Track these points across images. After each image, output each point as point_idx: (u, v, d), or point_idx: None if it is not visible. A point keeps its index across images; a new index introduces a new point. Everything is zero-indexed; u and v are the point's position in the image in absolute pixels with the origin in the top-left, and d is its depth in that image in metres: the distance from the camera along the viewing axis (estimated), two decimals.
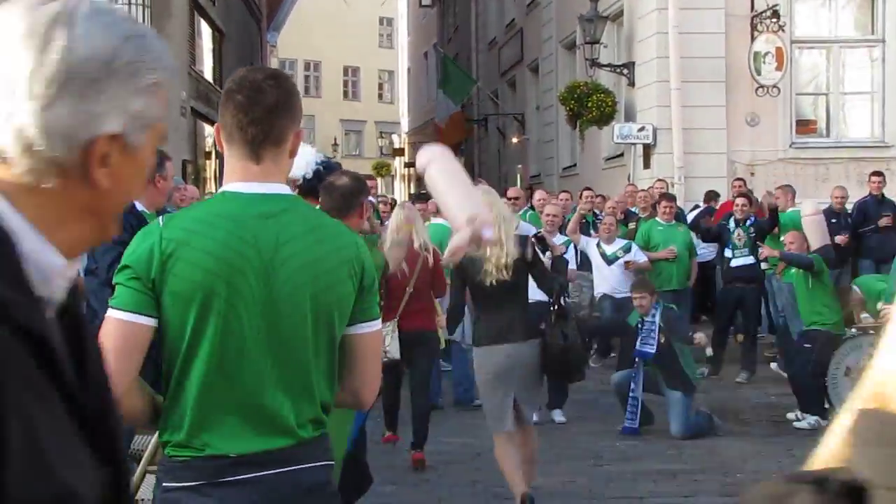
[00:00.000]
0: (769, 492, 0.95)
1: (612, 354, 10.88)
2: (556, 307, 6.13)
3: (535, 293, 6.21)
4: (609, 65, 16.40)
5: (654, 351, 8.14)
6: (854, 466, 0.92)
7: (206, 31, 21.58)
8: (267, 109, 2.35)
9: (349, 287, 2.40)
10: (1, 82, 1.13)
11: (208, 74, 21.63)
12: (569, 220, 10.76)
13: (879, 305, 8.18)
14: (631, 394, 8.26)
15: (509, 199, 10.42)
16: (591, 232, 11.37)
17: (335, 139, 44.38)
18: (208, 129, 19.79)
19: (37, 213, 1.15)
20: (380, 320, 2.54)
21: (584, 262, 10.80)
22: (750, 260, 10.61)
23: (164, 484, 2.34)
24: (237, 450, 2.28)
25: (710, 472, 7.20)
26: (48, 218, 1.16)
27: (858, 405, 0.95)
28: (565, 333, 6.03)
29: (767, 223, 10.63)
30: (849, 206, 12.30)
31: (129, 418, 2.33)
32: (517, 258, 5.79)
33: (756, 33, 14.61)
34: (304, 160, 4.82)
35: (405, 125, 43.90)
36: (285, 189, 2.45)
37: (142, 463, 3.30)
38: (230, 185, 2.40)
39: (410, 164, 39.19)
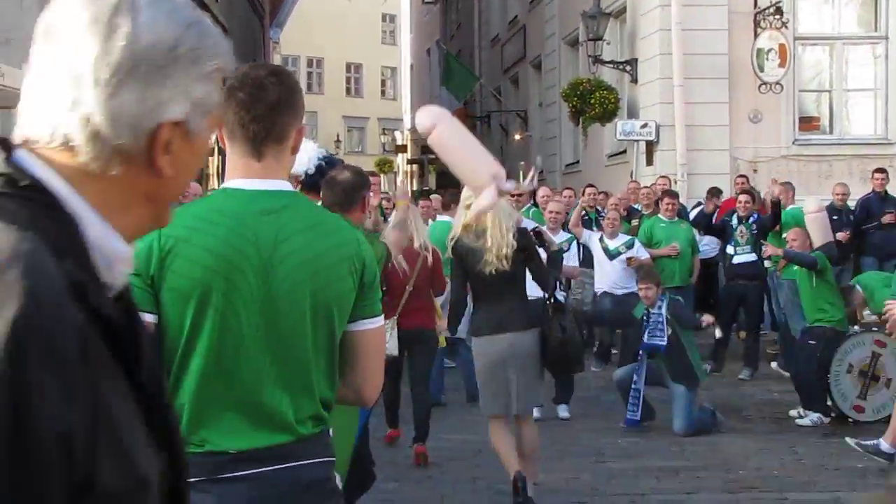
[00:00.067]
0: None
1: (614, 351, 10.86)
2: (552, 300, 6.16)
3: (532, 290, 6.23)
4: (612, 61, 16.39)
5: (664, 343, 8.12)
6: None
7: None
8: (269, 107, 2.35)
9: (349, 284, 2.39)
10: (66, 70, 1.13)
11: None
12: (570, 216, 10.75)
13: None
14: (633, 385, 8.24)
15: (512, 195, 10.39)
16: (594, 228, 11.36)
17: (338, 136, 44.41)
18: None
19: (100, 200, 1.15)
20: (382, 317, 2.53)
21: (587, 260, 10.79)
22: (752, 257, 10.60)
23: None
24: (236, 446, 2.28)
25: (713, 468, 7.19)
26: (111, 205, 1.16)
27: None
28: (563, 326, 6.06)
29: (770, 220, 10.62)
30: (851, 203, 12.29)
31: None
32: (516, 249, 5.83)
33: (759, 30, 14.60)
34: (307, 156, 4.82)
35: (408, 122, 43.84)
36: (287, 186, 2.44)
37: None
38: (231, 182, 2.40)
39: (413, 161, 39.21)
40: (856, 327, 8.80)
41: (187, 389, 2.30)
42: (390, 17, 48.50)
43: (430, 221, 10.21)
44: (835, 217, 11.32)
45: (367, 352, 2.48)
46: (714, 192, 12.81)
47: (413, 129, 40.05)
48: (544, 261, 6.32)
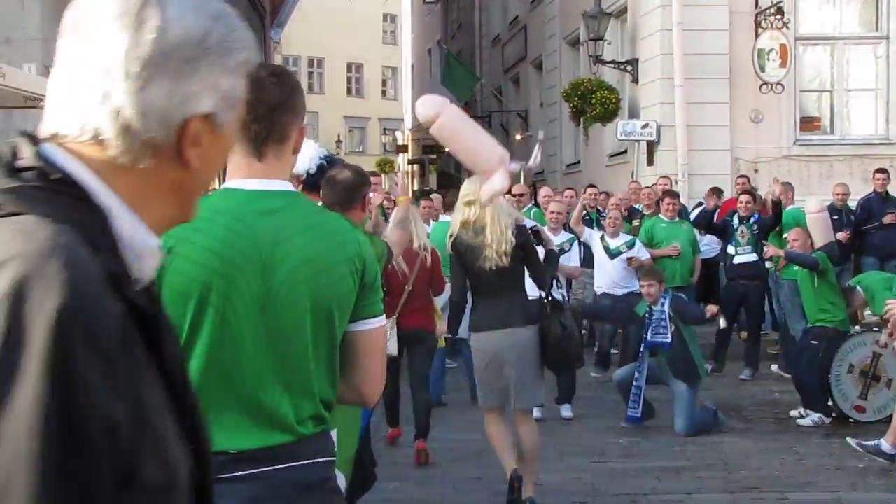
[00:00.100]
0: None
1: (614, 352, 10.85)
2: (549, 298, 6.17)
3: (532, 289, 6.25)
4: (613, 62, 16.39)
5: (668, 340, 8.12)
6: None
7: None
8: (270, 107, 2.36)
9: (350, 284, 2.39)
10: (95, 64, 1.13)
11: None
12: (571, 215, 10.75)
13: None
14: (635, 383, 8.24)
15: (514, 195, 10.40)
16: (595, 228, 11.35)
17: (339, 136, 44.40)
18: None
19: (130, 193, 1.15)
20: (383, 317, 2.53)
21: (588, 260, 10.78)
22: (753, 257, 10.60)
23: None
24: (236, 446, 2.27)
25: (714, 468, 7.19)
26: (140, 198, 1.17)
27: None
28: (563, 324, 6.07)
29: (771, 220, 10.62)
30: (852, 204, 12.29)
31: None
32: (515, 245, 5.84)
33: (760, 30, 14.60)
34: (308, 155, 4.82)
35: (409, 122, 43.85)
36: (288, 186, 2.44)
37: None
38: (232, 182, 2.40)
39: (414, 161, 39.21)
40: (857, 327, 8.80)
41: None
42: (391, 17, 48.50)
43: (431, 222, 10.20)
44: (835, 217, 11.31)
45: (368, 352, 2.48)
46: (715, 191, 12.82)
47: (414, 129, 40.08)
48: (541, 259, 6.34)
